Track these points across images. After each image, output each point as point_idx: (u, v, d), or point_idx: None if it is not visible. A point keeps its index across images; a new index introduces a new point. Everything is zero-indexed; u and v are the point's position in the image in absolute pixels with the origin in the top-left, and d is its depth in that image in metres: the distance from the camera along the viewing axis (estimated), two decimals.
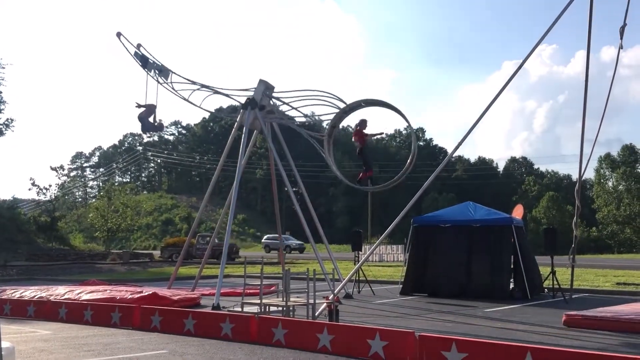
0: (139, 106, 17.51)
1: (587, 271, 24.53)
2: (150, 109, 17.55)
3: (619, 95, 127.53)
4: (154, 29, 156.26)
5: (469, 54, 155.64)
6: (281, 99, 17.47)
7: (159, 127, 18.41)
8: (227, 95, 17.73)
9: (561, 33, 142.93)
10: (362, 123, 15.87)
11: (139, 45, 17.79)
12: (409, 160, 14.95)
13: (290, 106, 17.40)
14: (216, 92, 17.64)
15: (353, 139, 16.05)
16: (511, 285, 16.70)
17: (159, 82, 17.53)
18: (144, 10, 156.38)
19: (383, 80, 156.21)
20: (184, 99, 17.63)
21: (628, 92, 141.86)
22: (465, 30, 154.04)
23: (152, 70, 17.58)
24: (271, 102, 17.43)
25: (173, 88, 17.65)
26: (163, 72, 17.63)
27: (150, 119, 17.69)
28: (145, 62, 17.60)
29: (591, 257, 37.80)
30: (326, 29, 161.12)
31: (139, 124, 17.66)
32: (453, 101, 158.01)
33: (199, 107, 17.88)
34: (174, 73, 17.65)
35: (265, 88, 17.22)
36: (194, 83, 17.62)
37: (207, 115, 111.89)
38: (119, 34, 17.66)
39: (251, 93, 17.19)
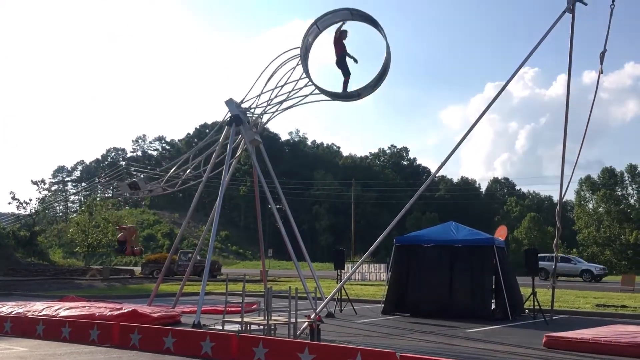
0: (120, 229, 19.14)
1: (567, 292, 24.68)
2: (130, 231, 19.30)
3: (600, 119, 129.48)
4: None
5: (452, 75, 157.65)
6: (259, 106, 17.51)
7: (138, 252, 19.96)
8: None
9: (543, 56, 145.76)
10: (343, 33, 16.22)
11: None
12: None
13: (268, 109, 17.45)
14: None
15: (333, 48, 16.15)
16: (492, 306, 16.75)
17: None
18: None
19: (365, 98, 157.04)
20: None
21: (608, 116, 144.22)
22: (448, 51, 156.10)
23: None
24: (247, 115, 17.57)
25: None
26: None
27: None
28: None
29: (572, 279, 38.07)
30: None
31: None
32: (436, 121, 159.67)
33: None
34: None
35: (236, 105, 17.33)
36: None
37: (191, 130, 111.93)
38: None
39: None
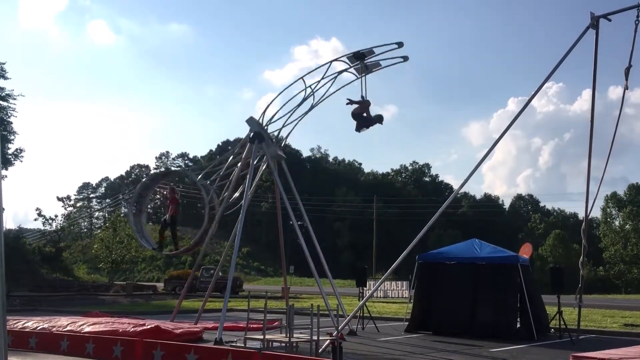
0: (351, 102, 16.58)
1: (594, 311, 24.23)
2: (364, 105, 16.71)
3: (625, 135, 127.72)
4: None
5: (475, 90, 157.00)
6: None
7: (376, 119, 17.02)
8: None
9: (568, 71, 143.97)
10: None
11: None
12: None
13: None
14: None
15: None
16: (517, 325, 16.50)
17: None
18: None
19: (385, 114, 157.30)
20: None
21: (633, 132, 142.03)
22: (471, 66, 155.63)
23: None
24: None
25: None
26: None
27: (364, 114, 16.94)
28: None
29: (598, 297, 37.39)
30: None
31: (354, 122, 16.68)
32: (458, 137, 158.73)
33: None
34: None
35: (257, 123, 17.55)
36: None
37: (213, 147, 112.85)
38: None
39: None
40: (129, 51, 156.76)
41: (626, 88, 13.74)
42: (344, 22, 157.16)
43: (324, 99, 18.06)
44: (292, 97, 17.92)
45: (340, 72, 17.80)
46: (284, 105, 17.95)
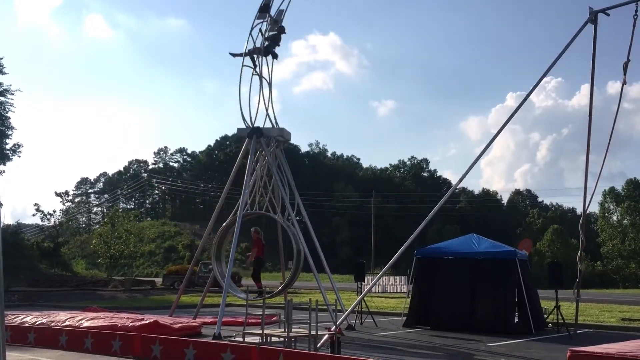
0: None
1: (592, 306, 24.30)
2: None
3: (623, 130, 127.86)
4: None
5: (473, 85, 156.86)
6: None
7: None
8: None
9: (566, 66, 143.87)
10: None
11: None
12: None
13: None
14: None
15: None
16: (515, 320, 16.54)
17: None
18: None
19: (384, 109, 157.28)
20: None
21: (632, 127, 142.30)
22: (469, 61, 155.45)
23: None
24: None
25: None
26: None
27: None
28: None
29: (596, 292, 37.50)
30: (329, 61, 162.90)
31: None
32: (456, 132, 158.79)
33: None
34: None
35: (280, 135, 17.60)
36: None
37: (212, 143, 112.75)
38: None
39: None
40: (126, 46, 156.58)
41: (625, 83, 13.74)
42: (342, 17, 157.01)
43: None
44: None
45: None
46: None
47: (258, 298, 16.36)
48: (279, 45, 17.96)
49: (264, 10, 17.62)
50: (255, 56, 17.65)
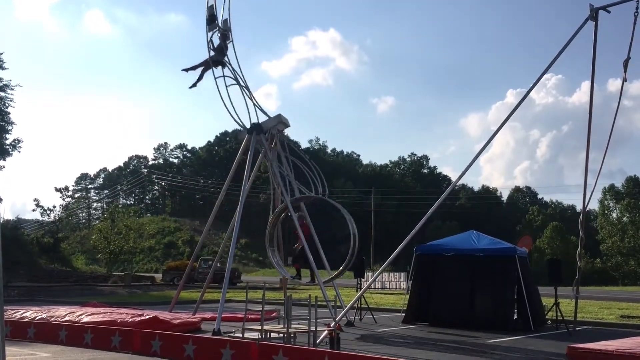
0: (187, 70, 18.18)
1: (591, 303, 24.32)
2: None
3: (623, 127, 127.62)
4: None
5: (473, 82, 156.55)
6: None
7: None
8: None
9: (567, 63, 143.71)
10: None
11: None
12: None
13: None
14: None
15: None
16: (514, 316, 16.57)
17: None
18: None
19: (384, 106, 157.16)
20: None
21: (632, 124, 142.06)
22: (469, 58, 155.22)
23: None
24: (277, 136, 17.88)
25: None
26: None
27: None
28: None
29: (595, 289, 37.53)
30: (329, 57, 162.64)
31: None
32: (456, 129, 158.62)
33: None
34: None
35: (279, 122, 17.53)
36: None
37: (212, 139, 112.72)
38: None
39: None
40: (126, 41, 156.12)
41: (625, 80, 13.74)
42: (342, 13, 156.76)
43: None
44: None
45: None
46: None
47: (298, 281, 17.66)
48: (225, 54, 18.01)
49: (211, 21, 17.80)
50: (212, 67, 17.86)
